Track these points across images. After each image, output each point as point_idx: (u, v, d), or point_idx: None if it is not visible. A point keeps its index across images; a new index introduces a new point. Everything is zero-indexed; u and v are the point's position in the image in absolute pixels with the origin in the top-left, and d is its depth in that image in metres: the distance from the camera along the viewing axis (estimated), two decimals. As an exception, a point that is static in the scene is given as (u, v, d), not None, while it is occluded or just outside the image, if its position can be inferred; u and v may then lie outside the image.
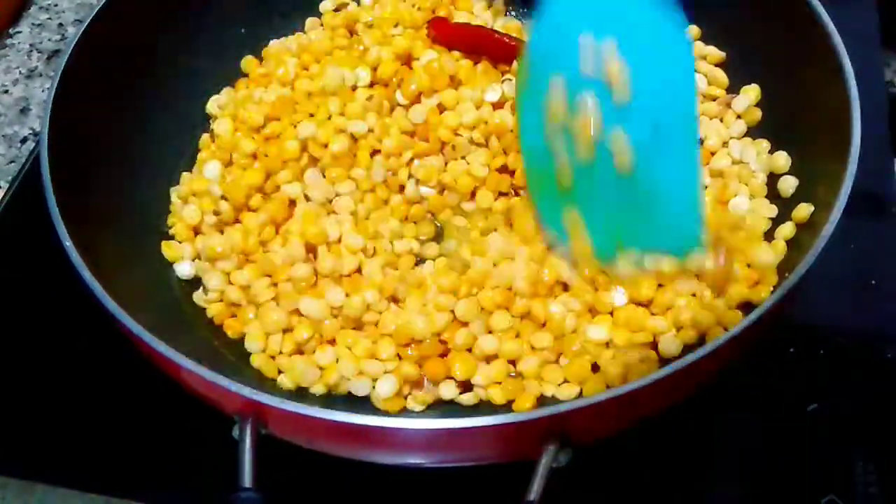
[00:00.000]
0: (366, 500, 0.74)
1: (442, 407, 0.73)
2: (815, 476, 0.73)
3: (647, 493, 0.74)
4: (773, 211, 0.78)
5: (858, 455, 0.73)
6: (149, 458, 0.77)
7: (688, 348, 0.71)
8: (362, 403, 0.73)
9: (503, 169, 0.83)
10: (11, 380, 0.82)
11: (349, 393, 0.73)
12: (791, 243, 0.74)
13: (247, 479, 0.57)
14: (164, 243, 0.81)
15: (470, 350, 0.73)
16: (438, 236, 0.83)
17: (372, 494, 0.73)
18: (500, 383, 0.72)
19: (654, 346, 0.73)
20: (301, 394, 0.73)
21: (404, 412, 0.72)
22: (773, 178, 0.80)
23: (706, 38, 0.90)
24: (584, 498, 0.72)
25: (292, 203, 0.83)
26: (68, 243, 0.66)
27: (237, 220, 0.82)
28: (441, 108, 0.86)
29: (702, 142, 0.84)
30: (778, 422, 0.77)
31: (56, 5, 1.16)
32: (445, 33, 0.91)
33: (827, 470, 0.73)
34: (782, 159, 0.79)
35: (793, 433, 0.76)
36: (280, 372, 0.74)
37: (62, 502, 0.76)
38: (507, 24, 0.95)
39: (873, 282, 0.84)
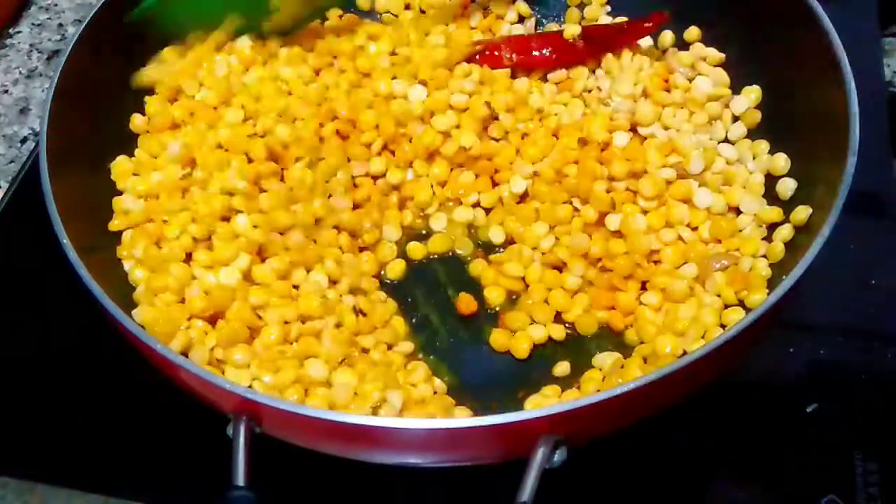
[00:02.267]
0: (359, 498, 0.74)
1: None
2: (816, 476, 0.73)
3: (646, 494, 0.74)
4: (777, 214, 0.77)
5: (859, 455, 0.73)
6: (144, 457, 0.77)
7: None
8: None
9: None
10: (11, 379, 0.82)
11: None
12: (789, 245, 0.74)
13: (240, 478, 0.57)
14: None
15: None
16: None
17: (365, 493, 0.73)
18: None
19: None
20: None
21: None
22: (771, 181, 0.79)
23: (706, 40, 0.90)
24: (581, 499, 0.72)
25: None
26: (65, 241, 0.66)
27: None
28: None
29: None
30: (778, 422, 0.77)
31: (56, 5, 1.16)
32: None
33: (827, 470, 0.73)
34: (781, 160, 0.79)
35: (793, 433, 0.76)
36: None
37: (62, 502, 0.75)
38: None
39: (873, 282, 0.83)
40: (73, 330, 0.84)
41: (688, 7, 0.89)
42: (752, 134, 0.84)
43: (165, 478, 0.76)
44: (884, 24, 1.01)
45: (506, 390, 0.74)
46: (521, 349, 0.75)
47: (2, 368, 0.83)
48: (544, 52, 0.90)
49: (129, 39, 0.84)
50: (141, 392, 0.78)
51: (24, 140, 1.02)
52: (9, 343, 0.85)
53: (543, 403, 0.70)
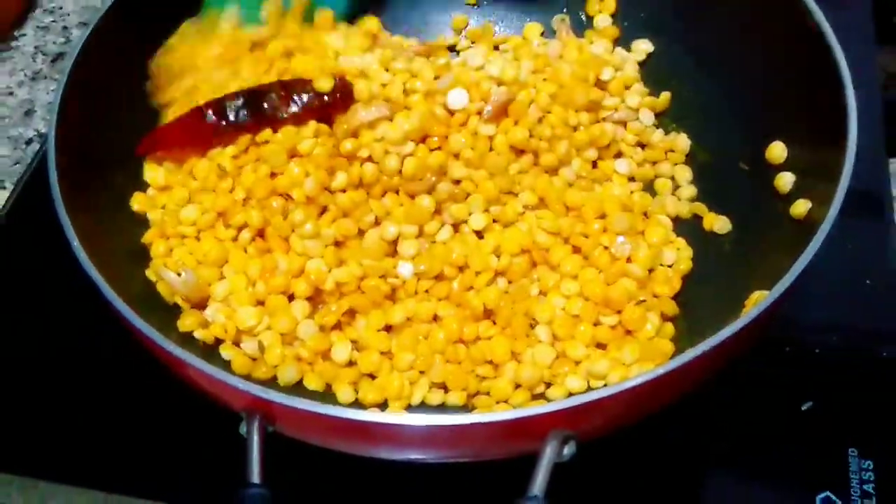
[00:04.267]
0: (372, 495, 0.74)
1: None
2: (811, 474, 0.74)
3: (644, 490, 0.74)
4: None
5: (854, 453, 0.74)
6: (146, 454, 0.78)
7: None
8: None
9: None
10: (16, 378, 0.83)
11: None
12: (791, 241, 0.74)
13: (255, 476, 0.57)
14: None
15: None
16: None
17: (378, 490, 0.74)
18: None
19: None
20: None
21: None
22: (771, 174, 0.79)
23: (705, 38, 0.90)
24: (580, 497, 0.73)
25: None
26: (76, 243, 0.66)
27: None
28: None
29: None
30: (774, 420, 0.77)
31: (61, 8, 1.16)
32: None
33: (822, 468, 0.74)
34: (778, 149, 0.79)
35: (788, 431, 0.76)
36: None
37: (66, 499, 0.76)
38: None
39: (868, 281, 0.84)
40: (76, 330, 0.84)
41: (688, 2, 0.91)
42: (751, 132, 0.83)
43: (167, 475, 0.77)
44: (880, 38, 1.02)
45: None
46: None
47: (5, 368, 0.83)
48: None
49: (135, 42, 0.85)
50: (143, 390, 0.79)
51: (29, 142, 1.03)
52: (12, 343, 0.85)
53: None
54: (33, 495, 0.76)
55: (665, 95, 0.90)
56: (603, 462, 0.72)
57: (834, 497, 0.72)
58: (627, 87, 0.90)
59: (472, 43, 0.97)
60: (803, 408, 0.77)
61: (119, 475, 0.77)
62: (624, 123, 0.88)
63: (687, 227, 0.83)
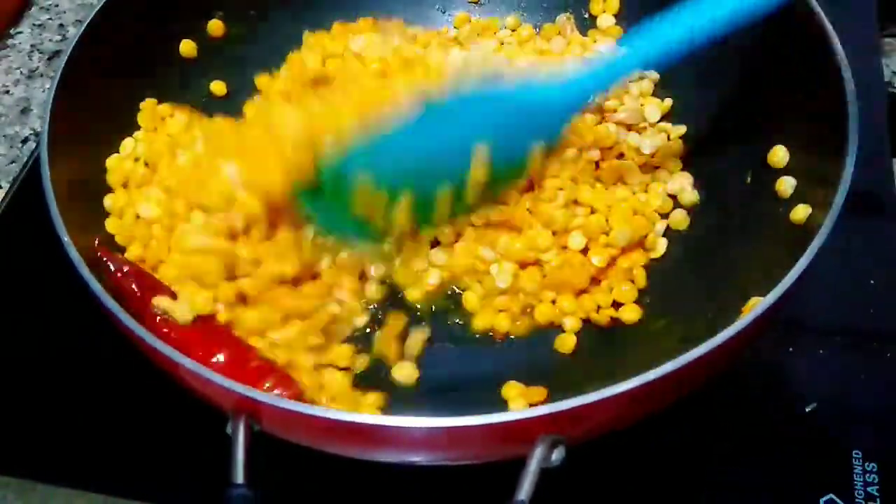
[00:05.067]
0: (358, 497, 0.74)
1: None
2: (814, 476, 0.73)
3: (644, 493, 0.74)
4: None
5: (857, 455, 0.73)
6: (145, 457, 0.77)
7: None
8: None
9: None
10: (11, 379, 0.82)
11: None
12: (791, 242, 0.74)
13: (239, 476, 0.56)
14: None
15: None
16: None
17: (364, 492, 0.73)
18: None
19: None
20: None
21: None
22: (771, 179, 0.78)
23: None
24: (577, 498, 0.72)
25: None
26: (66, 238, 0.66)
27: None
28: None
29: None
30: (776, 421, 0.77)
31: (57, 6, 1.16)
32: None
33: (826, 470, 0.73)
34: (780, 153, 0.78)
35: (791, 433, 0.76)
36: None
37: (66, 502, 0.76)
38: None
39: (872, 281, 0.84)
40: (73, 330, 0.84)
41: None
42: (750, 132, 0.83)
43: (166, 477, 0.76)
44: (883, 25, 1.01)
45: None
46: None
47: (2, 368, 0.83)
48: None
49: (129, 39, 0.84)
50: (141, 392, 0.78)
51: (24, 140, 1.03)
52: (9, 343, 0.85)
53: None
54: (31, 498, 0.76)
55: (667, 99, 0.90)
56: (604, 463, 0.72)
57: (837, 499, 0.71)
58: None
59: (477, 35, 0.97)
60: (807, 409, 0.76)
61: (118, 478, 0.76)
62: (626, 125, 0.88)
63: (686, 231, 0.83)
